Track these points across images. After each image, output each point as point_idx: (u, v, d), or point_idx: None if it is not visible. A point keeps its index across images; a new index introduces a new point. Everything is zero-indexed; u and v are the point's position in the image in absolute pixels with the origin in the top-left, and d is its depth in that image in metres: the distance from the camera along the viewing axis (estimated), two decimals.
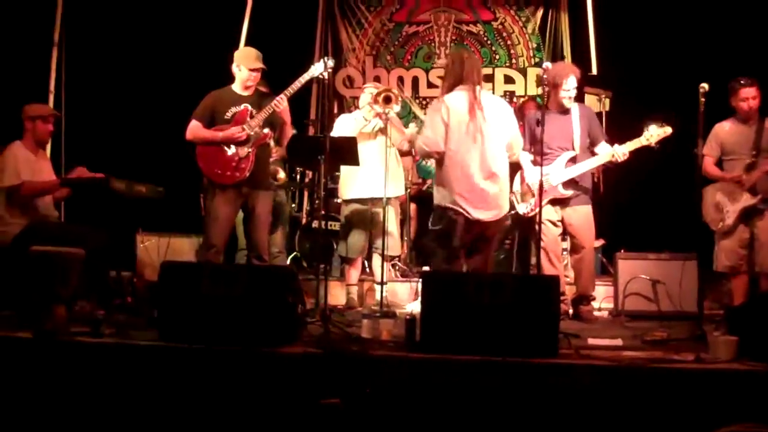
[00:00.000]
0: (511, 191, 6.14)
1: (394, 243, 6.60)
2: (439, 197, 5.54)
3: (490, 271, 5.78)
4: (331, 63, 5.67)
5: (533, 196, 5.97)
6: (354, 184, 6.53)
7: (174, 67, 8.15)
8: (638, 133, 5.93)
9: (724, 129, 6.07)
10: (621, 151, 5.91)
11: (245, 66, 5.79)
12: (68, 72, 8.09)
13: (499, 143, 5.52)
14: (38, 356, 4.40)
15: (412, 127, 6.78)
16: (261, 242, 5.88)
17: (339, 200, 7.06)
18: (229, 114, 5.74)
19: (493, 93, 8.91)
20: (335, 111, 9.09)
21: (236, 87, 5.85)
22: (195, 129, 5.75)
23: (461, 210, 5.41)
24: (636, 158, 6.07)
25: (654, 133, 5.88)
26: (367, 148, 6.39)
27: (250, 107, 5.75)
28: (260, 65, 5.81)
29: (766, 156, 5.84)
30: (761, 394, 3.86)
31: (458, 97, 5.48)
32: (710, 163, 6.02)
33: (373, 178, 6.37)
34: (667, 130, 5.88)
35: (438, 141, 5.44)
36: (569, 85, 5.99)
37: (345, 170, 6.57)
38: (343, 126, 6.60)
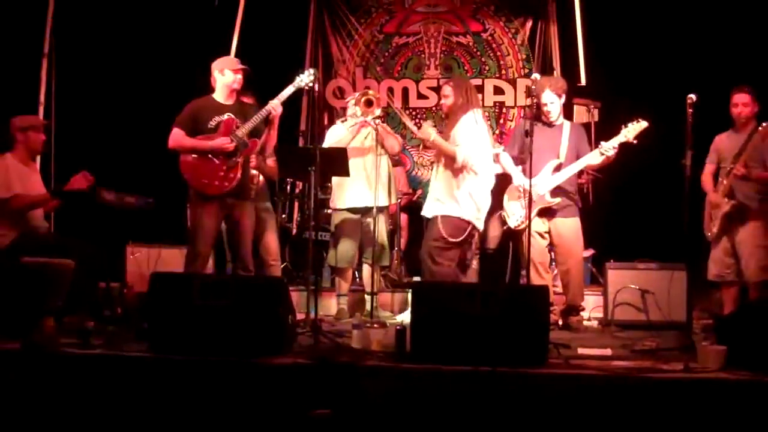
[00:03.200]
0: (502, 208, 6.19)
1: (384, 253, 6.60)
2: (466, 212, 5.83)
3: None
4: (314, 74, 5.77)
5: (523, 199, 5.98)
6: (346, 193, 6.53)
7: (163, 78, 8.14)
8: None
9: (722, 138, 6.11)
10: (609, 146, 5.94)
11: (228, 68, 5.77)
12: (58, 83, 8.07)
13: None
14: (27, 368, 4.39)
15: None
16: (247, 254, 5.87)
17: (329, 210, 7.06)
18: (213, 123, 5.71)
19: (483, 104, 8.97)
20: (326, 122, 9.09)
21: (218, 96, 5.81)
22: (179, 137, 5.69)
23: (478, 225, 5.87)
24: (624, 168, 6.10)
25: (631, 129, 5.92)
26: (359, 157, 6.40)
27: (234, 117, 5.74)
28: (242, 66, 5.80)
29: (753, 163, 5.84)
30: (750, 403, 3.88)
31: (482, 117, 5.95)
32: (707, 174, 6.08)
33: (365, 187, 6.38)
34: (643, 124, 5.93)
35: (478, 156, 5.82)
36: (546, 99, 6.05)
37: (337, 180, 6.57)
38: (334, 136, 6.60)
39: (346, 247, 6.56)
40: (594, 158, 6.02)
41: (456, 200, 5.82)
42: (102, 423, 4.20)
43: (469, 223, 5.84)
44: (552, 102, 6.08)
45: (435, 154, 6.17)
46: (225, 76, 5.77)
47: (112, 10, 8.30)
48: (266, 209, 6.81)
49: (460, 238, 5.82)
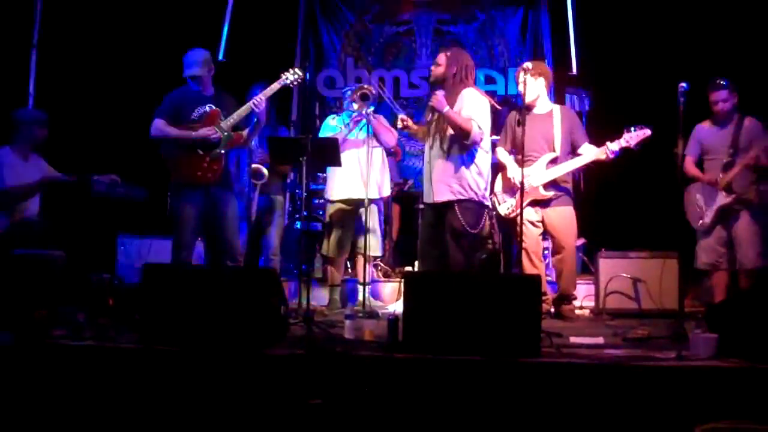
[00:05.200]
0: (493, 193, 6.18)
1: (377, 243, 6.60)
2: (482, 193, 5.69)
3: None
4: (301, 73, 5.80)
5: (515, 192, 5.97)
6: (340, 184, 6.53)
7: (154, 67, 8.09)
8: (619, 134, 5.95)
9: (704, 129, 6.12)
10: (612, 149, 5.93)
11: (186, 74, 5.78)
12: (48, 74, 8.03)
13: None
14: (18, 360, 4.37)
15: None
16: (234, 244, 5.86)
17: (321, 200, 7.04)
18: (195, 114, 5.72)
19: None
20: (317, 112, 9.08)
21: (196, 87, 5.82)
22: (161, 126, 5.68)
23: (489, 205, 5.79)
24: (617, 157, 6.09)
25: (633, 135, 5.91)
26: (353, 149, 6.39)
27: (216, 108, 5.74)
28: (196, 72, 5.75)
29: (743, 155, 5.89)
30: (741, 390, 3.89)
31: None
32: (690, 163, 6.07)
33: (359, 179, 6.38)
34: (646, 132, 5.91)
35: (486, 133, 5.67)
36: (520, 79, 5.97)
37: (331, 171, 6.57)
38: (328, 131, 6.60)
39: (339, 238, 6.56)
40: (591, 158, 6.01)
41: (469, 182, 5.61)
42: (94, 414, 4.19)
43: (485, 207, 5.75)
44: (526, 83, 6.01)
45: (434, 132, 5.75)
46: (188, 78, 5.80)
47: (101, 0, 8.26)
48: (272, 202, 6.83)
49: (480, 227, 5.67)
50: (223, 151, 5.71)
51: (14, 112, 5.93)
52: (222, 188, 5.80)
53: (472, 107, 5.59)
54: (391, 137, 6.47)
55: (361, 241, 6.47)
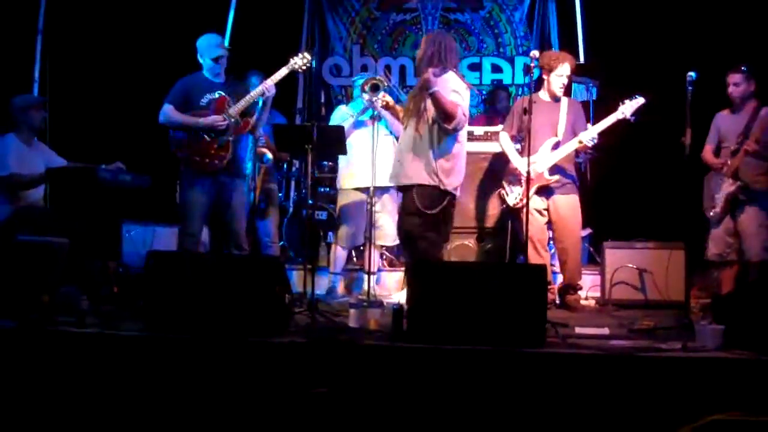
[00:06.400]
0: (501, 186, 6.17)
1: (390, 233, 6.56)
2: (448, 182, 5.37)
3: None
4: (309, 57, 5.69)
5: (520, 183, 5.96)
6: (353, 173, 6.52)
7: (159, 54, 8.08)
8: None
9: (722, 116, 6.09)
10: (588, 136, 5.95)
11: (207, 56, 5.75)
12: (52, 60, 8.02)
13: None
14: (22, 346, 4.37)
15: None
16: (240, 232, 5.85)
17: (326, 189, 7.02)
18: (204, 100, 5.71)
19: (480, 82, 8.94)
20: (322, 100, 9.06)
21: (207, 73, 5.82)
22: (170, 112, 5.69)
23: (455, 193, 5.46)
24: (623, 147, 6.09)
25: (628, 105, 5.90)
26: (365, 138, 6.36)
27: (226, 95, 5.73)
28: (221, 52, 5.77)
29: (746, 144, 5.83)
30: (747, 382, 3.87)
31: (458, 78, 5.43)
32: (708, 151, 6.05)
33: (371, 167, 6.36)
34: (640, 100, 5.92)
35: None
36: (563, 71, 6.00)
37: (344, 159, 6.56)
38: (338, 120, 6.58)
39: (351, 227, 6.57)
40: (588, 134, 5.99)
41: (436, 170, 5.35)
42: (98, 402, 4.18)
43: (448, 194, 5.41)
44: (568, 76, 6.05)
45: (413, 113, 5.46)
46: (205, 61, 5.78)
47: None
48: (270, 190, 6.84)
49: (436, 210, 5.36)
50: (231, 138, 5.69)
51: (10, 100, 5.94)
52: (231, 175, 5.79)
53: (456, 93, 5.31)
54: (401, 128, 6.43)
55: (372, 231, 6.46)
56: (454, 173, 5.42)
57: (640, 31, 7.93)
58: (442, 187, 5.35)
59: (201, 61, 5.80)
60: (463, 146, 5.50)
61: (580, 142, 5.94)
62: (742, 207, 5.86)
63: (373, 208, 6.30)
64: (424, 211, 5.33)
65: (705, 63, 5.60)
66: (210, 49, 5.77)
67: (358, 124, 6.45)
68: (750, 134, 5.76)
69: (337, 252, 6.69)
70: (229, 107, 5.69)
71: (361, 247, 6.91)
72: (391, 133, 6.44)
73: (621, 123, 5.96)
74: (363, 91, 6.27)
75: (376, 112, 6.27)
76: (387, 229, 6.53)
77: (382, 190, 6.43)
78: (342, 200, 6.68)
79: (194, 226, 5.71)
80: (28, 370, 4.29)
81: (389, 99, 6.07)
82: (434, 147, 5.35)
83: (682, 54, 7.21)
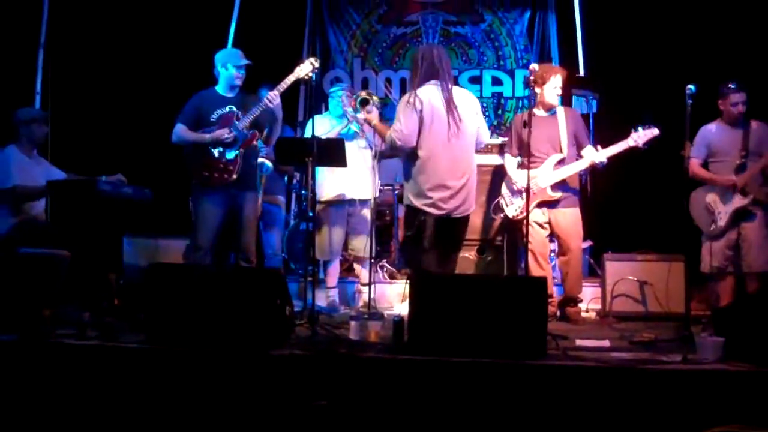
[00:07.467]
0: (500, 195, 6.18)
1: (361, 245, 6.56)
2: (410, 197, 5.48)
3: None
4: (317, 63, 5.66)
5: (521, 195, 5.97)
6: (330, 185, 6.51)
7: (161, 68, 8.11)
8: (626, 135, 5.96)
9: (711, 131, 6.08)
10: (599, 159, 5.97)
11: (232, 64, 5.77)
12: (54, 73, 8.05)
13: (470, 140, 5.55)
14: (23, 358, 4.38)
15: None
16: (249, 244, 5.85)
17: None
18: (214, 116, 5.73)
19: (481, 95, 8.95)
20: (323, 113, 9.07)
21: (220, 88, 5.84)
22: (181, 132, 5.73)
23: (431, 209, 5.40)
24: (624, 160, 6.09)
25: (642, 134, 5.90)
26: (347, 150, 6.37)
27: (235, 109, 5.74)
28: (246, 62, 5.81)
29: (754, 157, 5.86)
30: (747, 394, 3.87)
31: (432, 92, 5.43)
32: (697, 165, 6.02)
33: (348, 179, 6.40)
34: (654, 131, 5.90)
35: (412, 136, 5.40)
36: (556, 82, 6.02)
37: (321, 171, 6.48)
38: (320, 129, 6.57)
39: (328, 240, 6.55)
40: (586, 164, 6.02)
41: (406, 186, 5.56)
42: (99, 414, 4.19)
43: (417, 210, 5.44)
44: (561, 87, 6.08)
45: None
46: (228, 71, 5.79)
47: (109, 2, 8.27)
48: (273, 201, 6.90)
49: (412, 231, 5.50)
50: (239, 151, 5.70)
51: (14, 112, 5.97)
52: (242, 188, 5.78)
53: (398, 115, 5.48)
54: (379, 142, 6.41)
55: (352, 243, 6.54)
56: (413, 191, 5.46)
57: (640, 44, 7.95)
58: (412, 206, 5.48)
59: (221, 71, 5.80)
60: (421, 165, 5.43)
61: (592, 162, 5.96)
62: (747, 219, 5.86)
63: (352, 219, 6.39)
64: (406, 233, 5.56)
65: (704, 76, 5.62)
66: (235, 57, 5.81)
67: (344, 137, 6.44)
68: (750, 150, 5.81)
69: (327, 266, 6.69)
70: (237, 120, 5.70)
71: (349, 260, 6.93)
72: (370, 147, 6.44)
73: (631, 149, 5.96)
74: (353, 108, 6.30)
75: (358, 126, 6.31)
76: (366, 242, 6.52)
77: (362, 203, 6.46)
78: (319, 212, 6.67)
79: (205, 241, 5.70)
80: (29, 382, 4.29)
81: (370, 116, 6.07)
82: (405, 166, 5.55)
83: (682, 67, 7.23)
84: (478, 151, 6.77)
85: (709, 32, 7.59)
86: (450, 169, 5.40)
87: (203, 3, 8.40)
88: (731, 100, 5.93)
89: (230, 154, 5.68)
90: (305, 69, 5.68)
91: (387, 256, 7.54)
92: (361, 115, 6.19)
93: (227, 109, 5.75)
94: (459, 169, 5.44)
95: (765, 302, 4.45)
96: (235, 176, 5.68)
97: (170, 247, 6.77)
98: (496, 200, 6.33)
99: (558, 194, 6.01)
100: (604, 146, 6.04)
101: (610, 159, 6.05)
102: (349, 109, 6.36)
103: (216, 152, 5.68)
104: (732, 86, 5.94)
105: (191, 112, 5.77)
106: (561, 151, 6.02)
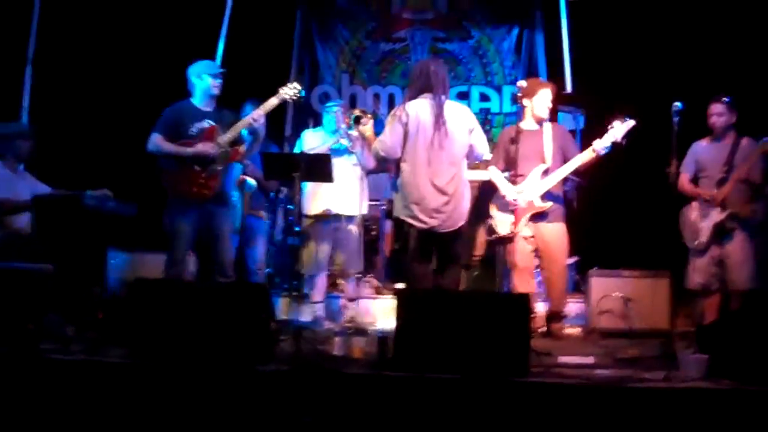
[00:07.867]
0: (489, 216, 6.15)
1: (355, 260, 6.59)
2: (397, 209, 5.56)
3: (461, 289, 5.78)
4: (300, 87, 5.74)
5: (511, 213, 5.96)
6: (316, 199, 6.52)
7: (149, 84, 8.11)
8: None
9: (700, 146, 6.12)
10: (602, 145, 5.93)
11: (207, 73, 5.73)
12: (42, 89, 8.05)
13: (458, 154, 5.54)
14: (6, 373, 4.35)
15: None
16: (226, 261, 5.82)
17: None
18: (194, 130, 5.68)
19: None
20: (311, 128, 9.08)
21: (197, 100, 5.78)
22: (158, 141, 5.65)
23: (413, 222, 5.43)
24: (609, 176, 6.11)
25: (618, 128, 5.92)
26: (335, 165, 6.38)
27: (214, 123, 5.71)
28: (221, 70, 5.80)
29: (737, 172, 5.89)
30: (731, 412, 3.87)
31: (421, 105, 5.47)
32: (686, 180, 6.06)
33: (335, 195, 6.40)
34: (630, 123, 5.92)
35: (395, 147, 5.46)
36: (545, 95, 6.04)
37: (309, 186, 6.52)
38: (309, 145, 6.59)
39: (314, 254, 6.56)
40: (585, 156, 6.01)
41: (394, 198, 5.64)
42: (82, 429, 4.16)
43: (402, 222, 5.54)
44: (551, 100, 6.10)
45: None
46: (203, 81, 5.73)
47: (97, 15, 8.28)
48: (256, 217, 6.88)
49: (399, 242, 5.64)
50: (220, 168, 5.69)
51: None
52: (218, 204, 5.77)
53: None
54: (369, 161, 6.42)
55: (338, 258, 6.53)
56: (399, 202, 5.53)
57: (626, 62, 8.00)
58: (398, 218, 5.55)
59: (196, 83, 5.74)
60: (405, 177, 5.50)
61: (594, 151, 5.95)
62: (729, 236, 5.87)
63: (338, 234, 6.43)
64: (395, 244, 5.55)
65: (690, 93, 5.65)
66: (209, 66, 5.81)
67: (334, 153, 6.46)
68: (734, 165, 5.82)
69: (312, 281, 6.67)
70: (218, 136, 5.68)
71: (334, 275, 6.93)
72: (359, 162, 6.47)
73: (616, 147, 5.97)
74: (347, 125, 6.32)
75: (349, 143, 6.33)
76: (354, 257, 6.55)
77: (348, 219, 6.47)
78: (305, 226, 6.67)
79: (180, 254, 5.69)
80: (11, 397, 4.26)
81: (364, 129, 6.09)
82: (393, 180, 5.66)
83: (669, 84, 7.28)
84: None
85: (696, 49, 7.65)
86: (431, 184, 5.42)
87: (192, 19, 8.41)
88: (708, 111, 5.97)
89: (211, 171, 5.66)
90: (288, 92, 5.71)
91: (372, 271, 7.52)
92: (354, 132, 6.21)
93: (206, 123, 5.70)
94: (441, 184, 5.44)
95: (749, 320, 4.46)
96: (213, 192, 5.66)
97: (155, 261, 6.75)
98: (488, 223, 6.27)
99: (548, 204, 5.98)
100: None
101: (595, 171, 6.04)
102: (343, 126, 6.38)
103: (197, 167, 5.65)
104: (713, 98, 5.98)
105: (169, 123, 5.70)
106: (545, 162, 6.02)
